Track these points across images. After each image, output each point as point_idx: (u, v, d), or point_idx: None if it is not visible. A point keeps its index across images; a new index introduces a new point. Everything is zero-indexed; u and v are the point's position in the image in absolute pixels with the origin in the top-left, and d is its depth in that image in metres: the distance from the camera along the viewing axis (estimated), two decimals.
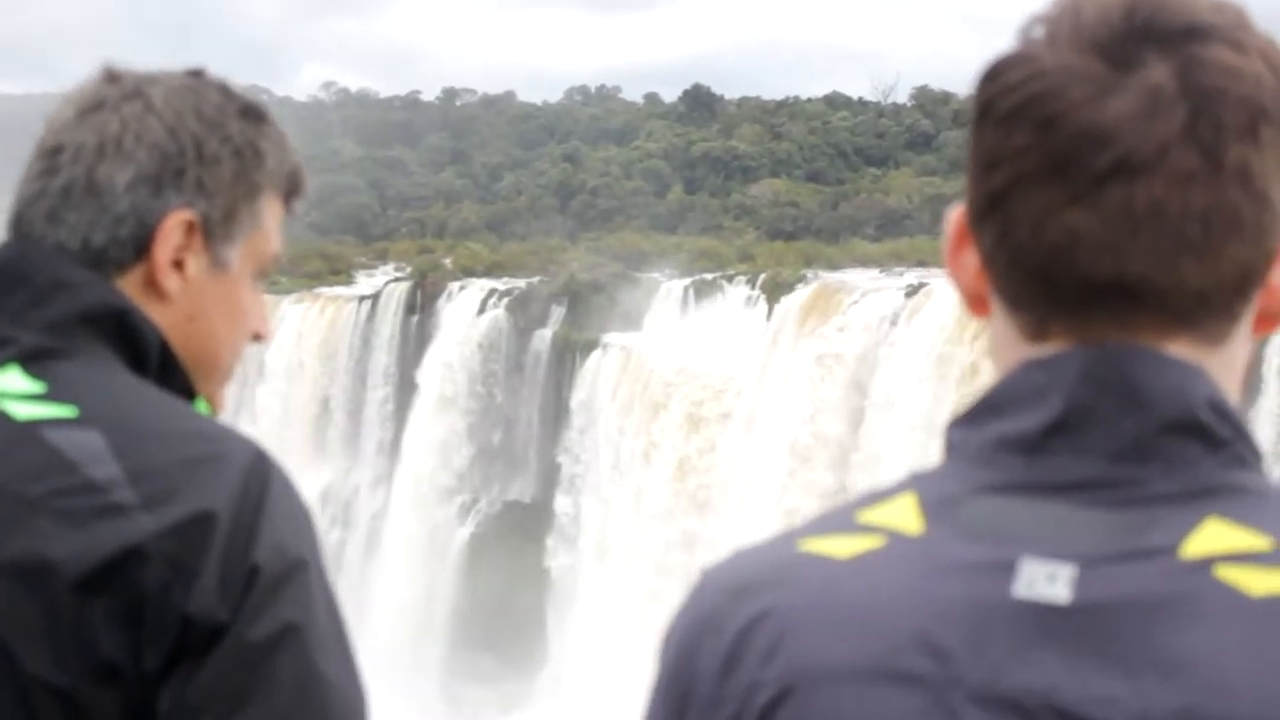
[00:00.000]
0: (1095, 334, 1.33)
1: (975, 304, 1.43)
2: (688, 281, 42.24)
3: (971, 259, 1.39)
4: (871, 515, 1.34)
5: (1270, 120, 1.30)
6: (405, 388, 42.50)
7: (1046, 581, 1.25)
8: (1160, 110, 1.27)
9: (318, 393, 43.81)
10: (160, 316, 2.05)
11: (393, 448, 42.29)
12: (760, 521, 34.09)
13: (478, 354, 41.93)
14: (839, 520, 1.37)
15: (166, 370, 2.05)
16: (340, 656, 1.93)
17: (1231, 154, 1.27)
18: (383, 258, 50.74)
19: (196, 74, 2.15)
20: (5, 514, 1.85)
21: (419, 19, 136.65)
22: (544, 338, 41.50)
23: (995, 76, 1.35)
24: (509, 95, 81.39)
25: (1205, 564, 1.24)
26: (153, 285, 2.04)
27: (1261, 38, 1.34)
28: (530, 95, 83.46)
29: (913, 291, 37.43)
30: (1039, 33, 1.35)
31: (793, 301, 39.07)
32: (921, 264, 45.27)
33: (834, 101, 76.70)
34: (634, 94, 79.94)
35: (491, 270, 45.64)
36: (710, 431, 37.61)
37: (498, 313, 42.34)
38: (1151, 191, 1.27)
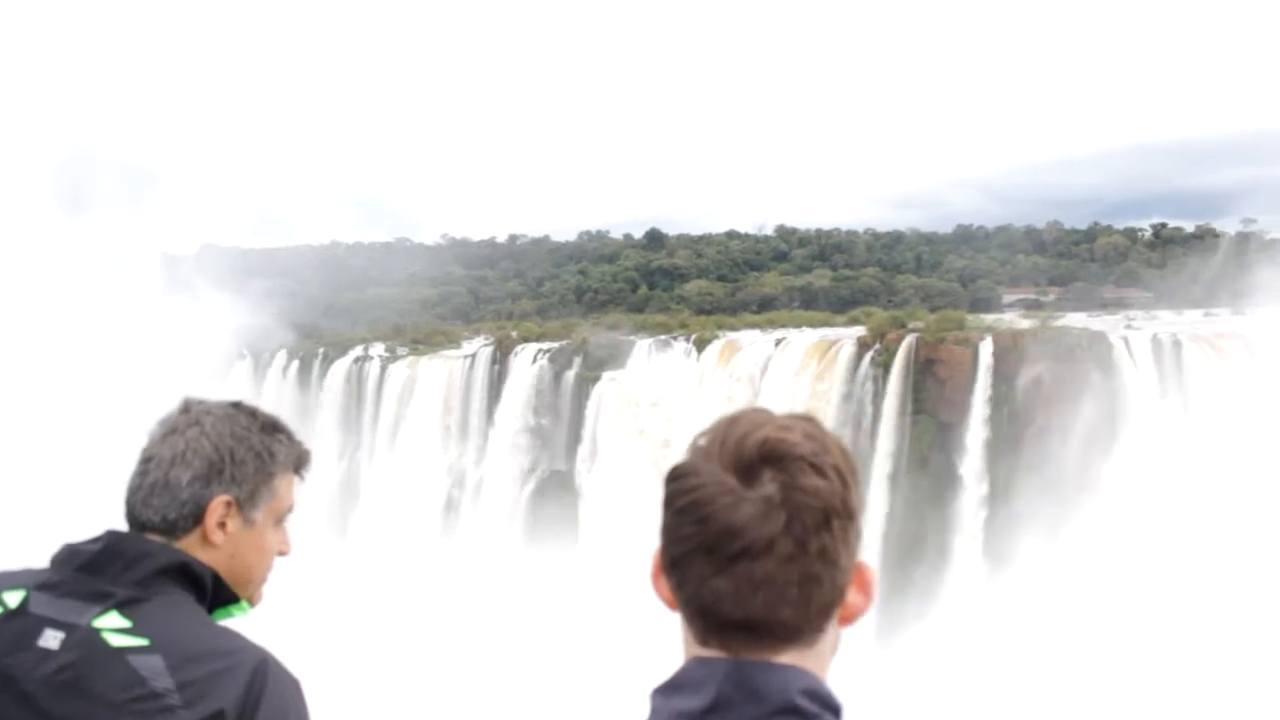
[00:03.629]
0: (734, 649, 1.30)
1: (670, 607, 1.37)
2: (651, 341, 41.50)
3: (665, 582, 1.36)
4: None
5: (838, 514, 1.29)
6: (492, 406, 42.04)
7: None
8: (770, 516, 1.26)
9: (443, 410, 43.22)
10: (211, 557, 2.02)
11: (485, 441, 41.74)
12: None
13: (532, 386, 41.50)
14: None
15: (219, 590, 2.02)
16: None
17: (814, 543, 1.27)
18: (477, 332, 49.99)
19: (237, 404, 2.13)
20: (103, 714, 1.82)
21: (494, 193, 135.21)
22: (570, 376, 41.06)
23: (674, 479, 1.34)
24: (546, 237, 79.79)
25: None
26: (206, 539, 2.02)
27: (837, 454, 1.33)
28: (559, 236, 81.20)
29: (778, 342, 37.96)
30: (702, 444, 1.34)
31: (712, 349, 38.95)
32: (782, 326, 45.04)
33: (732, 234, 75.49)
34: (617, 233, 78.85)
35: (539, 338, 45.12)
36: (662, 424, 37.54)
37: (543, 362, 41.94)
38: (766, 568, 1.26)
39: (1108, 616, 25.71)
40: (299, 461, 2.15)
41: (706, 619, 1.31)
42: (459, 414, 42.97)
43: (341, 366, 45.48)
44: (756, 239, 75.49)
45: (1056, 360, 30.97)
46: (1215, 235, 64.43)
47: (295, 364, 46.37)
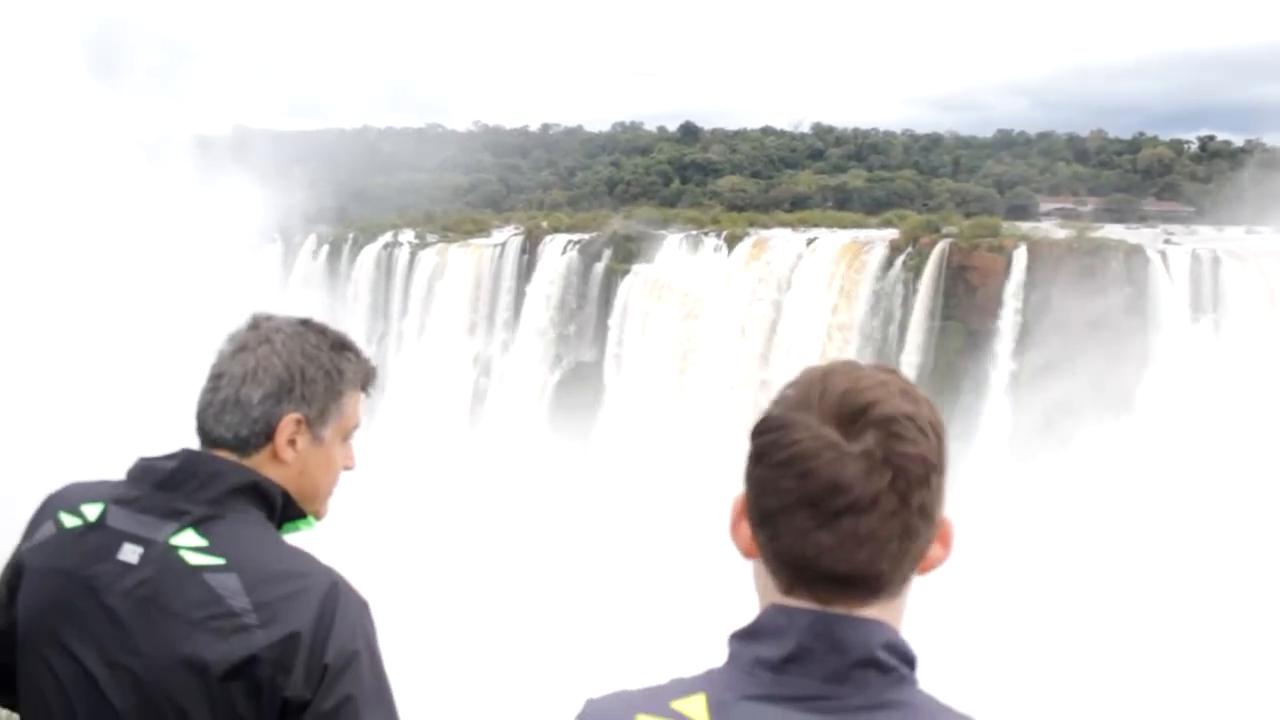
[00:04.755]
0: (822, 600, 1.31)
1: (749, 554, 1.38)
2: (681, 235, 41.39)
3: (745, 529, 1.36)
4: (679, 705, 1.31)
5: (937, 470, 1.32)
6: (519, 297, 42.13)
7: None
8: (874, 472, 1.27)
9: (472, 298, 43.29)
10: (280, 474, 2.04)
11: (513, 331, 41.94)
12: (713, 372, 35.35)
13: (560, 278, 41.57)
14: (659, 704, 1.33)
15: (288, 506, 2.04)
16: (381, 709, 1.91)
17: (915, 498, 1.29)
18: (507, 222, 49.64)
19: (305, 322, 2.12)
20: (181, 630, 1.86)
21: (529, 81, 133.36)
22: (599, 268, 41.08)
23: (766, 432, 1.33)
24: (580, 127, 78.88)
25: None
26: (276, 456, 2.03)
27: (929, 409, 1.34)
28: (592, 126, 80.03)
29: (810, 242, 37.70)
30: (793, 396, 1.34)
31: (742, 246, 38.75)
32: (814, 225, 44.55)
33: (767, 131, 74.50)
34: (652, 126, 77.78)
35: (569, 229, 44.78)
36: (691, 320, 37.59)
37: (572, 254, 41.90)
38: (870, 524, 1.28)
39: (1125, 525, 25.90)
40: (366, 379, 2.17)
41: (801, 571, 1.32)
42: (487, 303, 43.08)
43: (371, 252, 45.58)
44: (792, 136, 74.48)
45: (1092, 272, 30.63)
46: (1265, 150, 62.94)
47: (325, 248, 46.53)
